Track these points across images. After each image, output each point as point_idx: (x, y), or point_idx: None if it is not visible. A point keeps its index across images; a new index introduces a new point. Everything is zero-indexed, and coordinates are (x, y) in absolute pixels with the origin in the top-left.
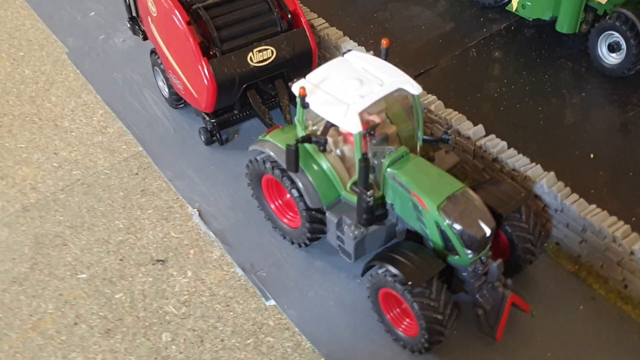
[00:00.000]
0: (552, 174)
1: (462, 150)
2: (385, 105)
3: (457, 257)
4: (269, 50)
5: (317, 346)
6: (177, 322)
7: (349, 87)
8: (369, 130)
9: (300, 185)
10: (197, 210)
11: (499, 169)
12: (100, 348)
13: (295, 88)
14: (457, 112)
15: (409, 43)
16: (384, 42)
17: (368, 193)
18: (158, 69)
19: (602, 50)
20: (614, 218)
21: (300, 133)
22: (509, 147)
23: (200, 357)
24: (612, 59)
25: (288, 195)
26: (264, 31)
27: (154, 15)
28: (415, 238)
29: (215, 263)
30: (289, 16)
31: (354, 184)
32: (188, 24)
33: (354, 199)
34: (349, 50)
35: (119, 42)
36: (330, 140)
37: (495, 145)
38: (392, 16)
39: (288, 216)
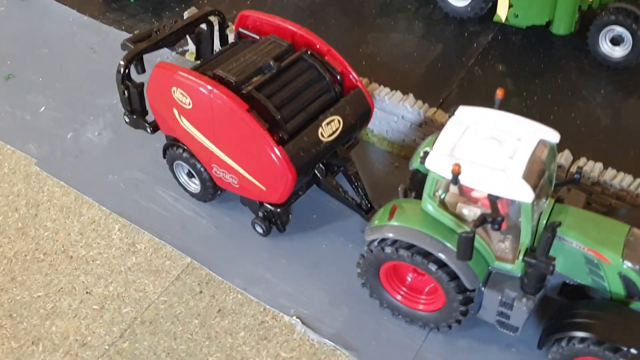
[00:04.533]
0: None
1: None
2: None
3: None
4: (336, 120)
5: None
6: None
7: (489, 151)
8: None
9: (454, 267)
10: (297, 318)
11: (600, 192)
12: None
13: (434, 163)
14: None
15: (411, 73)
16: (499, 93)
17: (554, 262)
18: (183, 163)
19: (605, 46)
20: None
21: (431, 207)
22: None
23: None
24: (617, 52)
25: (410, 277)
26: (321, 99)
27: (188, 107)
28: (571, 291)
29: None
30: (338, 77)
31: (527, 254)
32: (248, 111)
33: (507, 267)
34: (457, 107)
35: (94, 137)
36: (471, 213)
37: (591, 168)
38: (378, 47)
39: (422, 301)
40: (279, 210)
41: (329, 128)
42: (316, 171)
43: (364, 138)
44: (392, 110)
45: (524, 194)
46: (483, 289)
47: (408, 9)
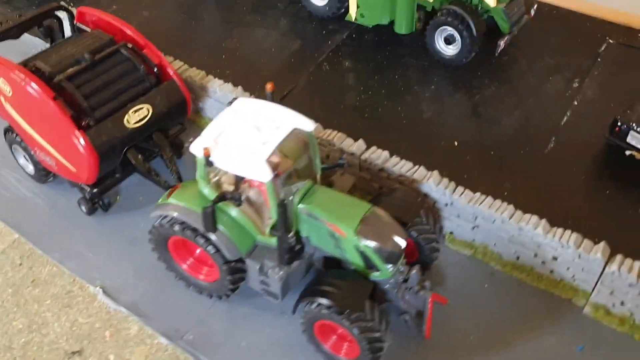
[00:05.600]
0: (435, 172)
1: (348, 166)
2: (283, 144)
3: (378, 273)
4: (145, 109)
5: None
6: None
7: (247, 137)
8: (275, 172)
9: (215, 240)
10: (100, 288)
11: (386, 177)
12: None
13: (196, 148)
14: (336, 131)
15: (264, 68)
16: (269, 87)
17: (290, 235)
18: (19, 147)
19: (440, 44)
20: (499, 201)
21: (205, 189)
22: (393, 154)
23: None
24: (449, 50)
25: (198, 251)
26: (134, 90)
27: (9, 94)
28: (333, 263)
29: (136, 339)
30: (155, 70)
31: (273, 228)
32: (54, 99)
33: (270, 241)
34: (234, 99)
35: None
36: (228, 187)
37: (379, 156)
38: (240, 42)
39: (203, 272)
40: (95, 190)
41: (137, 115)
42: (130, 156)
43: None
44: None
45: (263, 175)
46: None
47: (277, 6)
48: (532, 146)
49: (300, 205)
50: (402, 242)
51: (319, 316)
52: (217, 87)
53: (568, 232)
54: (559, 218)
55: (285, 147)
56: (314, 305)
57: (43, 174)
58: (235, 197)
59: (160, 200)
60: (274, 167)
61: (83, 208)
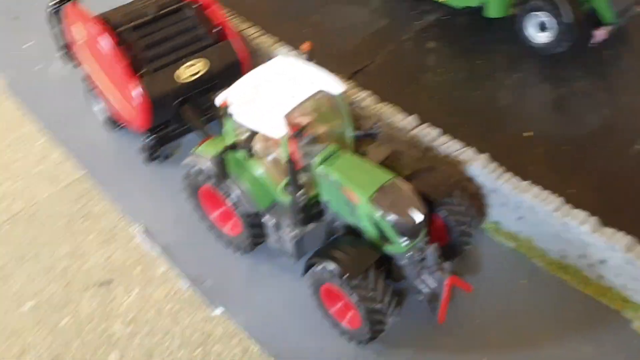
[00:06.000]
0: (485, 155)
1: (397, 142)
2: (314, 107)
3: (392, 245)
4: (198, 65)
5: (266, 348)
6: (125, 341)
7: (271, 94)
8: (297, 132)
9: (236, 192)
10: (141, 228)
11: (434, 157)
12: None
13: (218, 100)
14: (390, 105)
15: (345, 43)
16: (305, 46)
17: (298, 194)
18: (92, 95)
19: (530, 31)
20: (546, 193)
21: (230, 142)
22: (445, 134)
23: None
24: (541, 38)
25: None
26: (192, 47)
27: (83, 41)
28: (355, 233)
29: (161, 278)
30: (216, 30)
31: (286, 185)
32: (117, 45)
33: (278, 198)
34: (275, 57)
35: (58, 69)
36: (259, 146)
37: (427, 133)
38: (327, 18)
39: (229, 224)
40: (152, 140)
41: (189, 70)
42: (183, 110)
43: None
44: None
45: (276, 130)
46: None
47: None
48: (614, 146)
49: (320, 168)
50: (418, 216)
51: (323, 279)
52: (283, 55)
53: (620, 233)
54: (629, 224)
55: (313, 109)
56: (320, 267)
57: (111, 122)
58: (245, 148)
59: (192, 150)
60: (294, 127)
61: (142, 156)
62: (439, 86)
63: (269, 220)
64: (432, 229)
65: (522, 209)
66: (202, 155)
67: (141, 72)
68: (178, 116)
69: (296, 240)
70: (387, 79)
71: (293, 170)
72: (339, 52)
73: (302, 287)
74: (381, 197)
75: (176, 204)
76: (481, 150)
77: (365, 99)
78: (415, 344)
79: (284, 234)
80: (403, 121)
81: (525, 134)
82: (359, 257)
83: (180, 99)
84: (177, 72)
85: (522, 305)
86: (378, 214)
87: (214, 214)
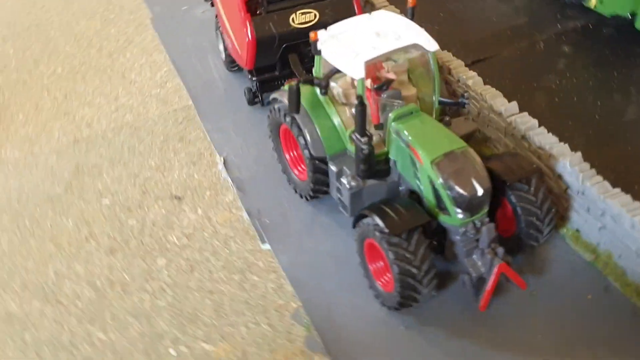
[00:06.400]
0: (578, 154)
1: (494, 128)
2: (407, 67)
3: (448, 217)
4: (312, 14)
5: (298, 291)
6: (176, 250)
7: (364, 39)
8: (381, 85)
9: (306, 132)
10: (223, 159)
11: (527, 147)
12: (101, 263)
13: (312, 33)
14: (493, 89)
15: (475, 32)
16: (411, 1)
17: (363, 140)
18: (219, 33)
19: None
20: (637, 203)
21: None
22: (556, 138)
23: (186, 284)
24: None
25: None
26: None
27: None
28: (417, 200)
29: (226, 206)
30: None
31: (353, 132)
32: None
33: (346, 147)
34: (379, 10)
35: (199, 13)
36: (341, 90)
37: (525, 122)
38: (465, 7)
39: (299, 168)
40: (255, 79)
41: (302, 17)
42: (289, 56)
43: None
44: None
45: (355, 71)
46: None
47: None
48: None
49: (393, 124)
50: (479, 189)
51: (368, 233)
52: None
53: None
54: None
55: (406, 69)
56: (367, 220)
57: (229, 61)
58: (321, 84)
59: (281, 87)
60: (385, 81)
61: (246, 97)
62: (561, 90)
63: (332, 167)
64: (500, 216)
65: (606, 218)
66: (287, 90)
67: (257, 12)
68: (284, 62)
69: (353, 192)
70: (508, 73)
71: (362, 112)
72: (466, 39)
73: (353, 245)
74: (446, 162)
75: (261, 146)
76: (591, 160)
77: (473, 78)
78: (448, 325)
79: (343, 183)
80: (504, 106)
81: None
82: (407, 216)
83: (287, 44)
84: (292, 16)
85: (579, 320)
86: (439, 179)
87: (288, 155)
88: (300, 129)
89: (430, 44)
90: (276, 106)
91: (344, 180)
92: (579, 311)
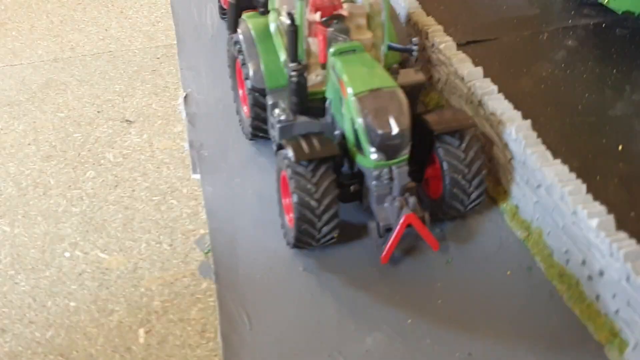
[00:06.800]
0: (527, 122)
1: (458, 96)
2: (367, 11)
3: (363, 157)
4: None
5: (211, 220)
6: (107, 167)
7: None
8: (329, 18)
9: (250, 62)
10: (186, 94)
11: (483, 115)
12: (35, 166)
13: None
14: (462, 54)
15: (480, 17)
16: None
17: (291, 65)
18: None
19: None
20: (572, 175)
21: (272, 15)
22: (511, 105)
23: (105, 197)
24: None
25: None
26: None
27: None
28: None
29: (172, 135)
30: None
31: (286, 60)
32: None
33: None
34: None
35: None
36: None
37: (484, 87)
38: None
39: (246, 105)
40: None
41: None
42: None
43: None
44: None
45: None
46: None
47: None
48: None
49: (332, 58)
50: (395, 128)
51: (280, 164)
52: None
53: (630, 240)
54: None
55: (375, 19)
56: (282, 151)
57: (222, 10)
58: (260, 3)
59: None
60: (334, 15)
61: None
62: (551, 79)
63: (269, 99)
64: (431, 175)
65: (541, 190)
66: (245, 22)
67: None
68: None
69: (282, 125)
70: (500, 57)
71: (293, 36)
72: (467, 22)
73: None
74: (370, 98)
75: (227, 87)
76: (560, 148)
77: (446, 42)
78: (348, 275)
79: (274, 115)
80: (468, 70)
81: (619, 148)
82: (317, 148)
83: None
84: None
85: (488, 294)
86: (358, 113)
87: (241, 91)
88: (245, 60)
89: None
90: (234, 36)
91: (275, 111)
92: (492, 286)
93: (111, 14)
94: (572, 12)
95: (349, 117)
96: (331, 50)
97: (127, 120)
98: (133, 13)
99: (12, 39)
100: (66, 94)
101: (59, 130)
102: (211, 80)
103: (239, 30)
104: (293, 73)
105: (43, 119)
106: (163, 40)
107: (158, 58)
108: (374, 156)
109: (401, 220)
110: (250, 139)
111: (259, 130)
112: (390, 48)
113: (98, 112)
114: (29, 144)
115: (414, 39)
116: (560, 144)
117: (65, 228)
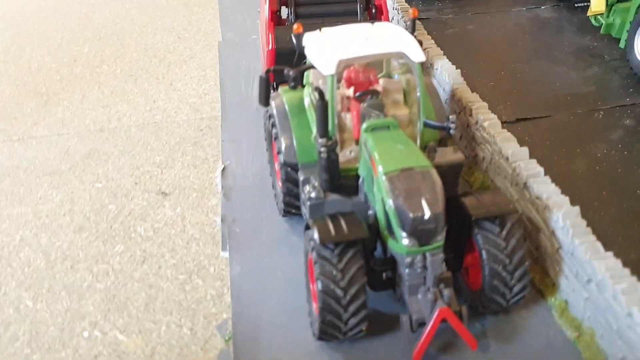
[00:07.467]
0: (576, 208)
1: (503, 177)
2: (404, 86)
3: (395, 242)
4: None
5: (235, 303)
6: (137, 240)
7: (350, 42)
8: (364, 93)
9: (282, 136)
10: (224, 166)
11: (528, 198)
12: (67, 238)
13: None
14: (507, 132)
15: (532, 94)
16: (412, 12)
17: (320, 141)
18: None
19: None
20: (626, 271)
21: (307, 90)
22: (558, 189)
23: (131, 273)
24: None
25: None
26: (343, 17)
27: None
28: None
29: (206, 209)
30: (374, 11)
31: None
32: None
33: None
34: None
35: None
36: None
37: (530, 169)
38: (530, 70)
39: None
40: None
41: None
42: None
43: None
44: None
45: (326, 68)
46: None
47: (601, 56)
48: None
49: (364, 134)
50: (427, 211)
51: (307, 246)
52: (441, 65)
53: None
54: None
55: (400, 88)
56: (309, 231)
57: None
58: (290, 76)
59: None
60: (369, 91)
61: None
62: (606, 160)
63: (300, 174)
64: (470, 263)
65: (591, 286)
66: (280, 96)
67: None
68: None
69: (312, 203)
70: (552, 136)
71: (323, 110)
72: (518, 99)
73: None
74: (401, 178)
75: (265, 158)
76: (613, 229)
77: (491, 120)
78: None
79: (306, 192)
80: (512, 150)
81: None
82: (344, 229)
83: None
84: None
85: None
86: (388, 193)
87: (277, 164)
88: (277, 133)
89: (416, 55)
90: (268, 112)
91: (306, 188)
92: None
93: (161, 86)
94: (631, 90)
95: (380, 197)
96: (364, 126)
97: (162, 193)
98: (182, 85)
99: (63, 109)
100: (107, 165)
101: (94, 201)
102: (251, 152)
103: (272, 104)
104: (322, 149)
105: (81, 189)
106: (208, 112)
107: (201, 130)
108: (405, 241)
109: (435, 315)
110: (283, 215)
111: (291, 207)
112: (425, 125)
113: (135, 183)
114: (64, 214)
115: (452, 117)
116: (616, 232)
117: (88, 305)
